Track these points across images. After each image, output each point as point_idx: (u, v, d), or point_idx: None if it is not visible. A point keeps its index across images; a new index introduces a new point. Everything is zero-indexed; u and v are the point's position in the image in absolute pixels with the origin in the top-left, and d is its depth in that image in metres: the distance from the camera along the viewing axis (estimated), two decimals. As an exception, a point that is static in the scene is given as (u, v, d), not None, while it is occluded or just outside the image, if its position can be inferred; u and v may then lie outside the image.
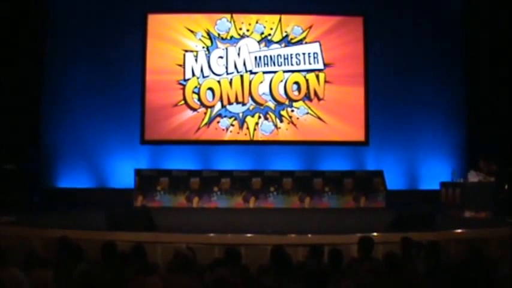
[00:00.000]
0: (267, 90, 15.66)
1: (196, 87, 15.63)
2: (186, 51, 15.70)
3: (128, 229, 9.25)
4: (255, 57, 15.69)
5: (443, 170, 14.97)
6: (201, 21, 15.79)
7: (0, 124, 13.76)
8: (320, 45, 15.82)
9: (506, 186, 12.61)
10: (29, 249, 6.13)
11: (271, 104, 15.67)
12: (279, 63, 15.68)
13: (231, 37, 15.79)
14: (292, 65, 15.70)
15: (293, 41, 15.81)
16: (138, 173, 14.67)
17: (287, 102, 15.71)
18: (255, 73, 15.66)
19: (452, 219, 11.45)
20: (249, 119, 15.62)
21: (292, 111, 15.69)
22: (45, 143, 15.20)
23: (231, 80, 15.63)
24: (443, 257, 6.61)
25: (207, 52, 15.72)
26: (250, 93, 15.63)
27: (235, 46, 15.76)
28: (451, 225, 10.32)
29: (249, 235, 9.39)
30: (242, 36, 15.80)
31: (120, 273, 5.35)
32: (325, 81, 15.76)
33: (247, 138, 15.61)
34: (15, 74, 14.19)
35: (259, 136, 15.63)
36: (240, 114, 15.63)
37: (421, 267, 6.24)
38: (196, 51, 15.71)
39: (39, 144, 15.08)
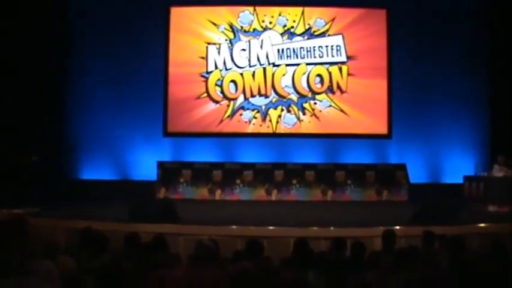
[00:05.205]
0: (290, 83, 15.63)
1: (219, 79, 15.64)
2: (209, 43, 15.71)
3: (151, 221, 9.31)
4: (278, 50, 15.66)
5: (466, 163, 14.91)
6: (224, 14, 15.78)
7: (25, 116, 13.88)
8: (343, 37, 15.75)
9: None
10: (52, 240, 6.17)
11: (294, 97, 15.63)
12: (302, 56, 15.63)
13: (254, 30, 15.76)
14: (315, 57, 15.64)
15: (316, 33, 15.75)
16: (160, 165, 14.75)
17: (310, 95, 15.66)
18: (278, 66, 15.63)
19: (476, 213, 11.38)
20: (271, 111, 15.60)
21: (315, 103, 15.64)
22: (69, 135, 15.29)
23: (254, 72, 15.62)
24: (467, 251, 6.57)
25: (229, 45, 15.71)
26: (273, 86, 15.60)
27: (257, 39, 15.73)
28: (475, 219, 10.26)
29: (271, 228, 9.42)
30: (265, 29, 15.76)
31: (142, 265, 5.38)
32: (348, 74, 15.68)
33: (269, 130, 15.60)
34: (38, 68, 14.28)
35: (282, 129, 15.60)
36: (263, 107, 15.62)
37: (444, 261, 6.21)
38: (219, 44, 15.71)
39: (62, 136, 15.19)
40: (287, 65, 15.63)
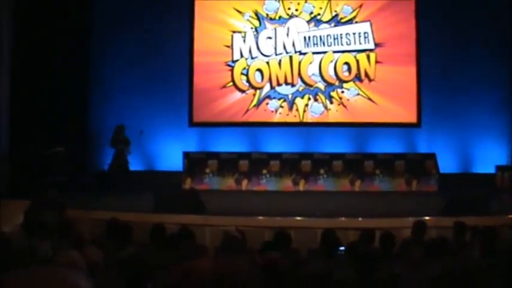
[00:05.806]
0: (317, 71, 15.45)
1: (244, 68, 15.52)
2: (234, 32, 15.58)
3: (177, 211, 9.28)
4: (304, 38, 15.48)
5: (498, 152, 14.65)
6: (249, 2, 15.64)
7: (49, 107, 13.91)
8: (370, 24, 15.51)
9: None
10: (78, 231, 6.16)
11: (321, 85, 15.45)
12: (329, 44, 15.43)
13: (280, 17, 15.59)
14: (342, 45, 15.43)
15: (343, 20, 15.52)
16: (186, 155, 14.69)
17: (337, 83, 15.46)
18: (304, 54, 15.45)
19: (508, 204, 11.19)
20: (298, 100, 15.45)
21: (343, 92, 15.44)
22: (94, 126, 15.29)
23: (280, 60, 15.46)
24: (499, 242, 6.43)
25: (255, 33, 15.56)
26: (299, 74, 15.44)
27: (283, 26, 15.56)
28: (507, 210, 10.09)
29: (298, 218, 9.35)
30: (291, 16, 15.58)
31: (168, 256, 5.33)
32: (376, 62, 15.45)
33: (296, 120, 15.45)
34: (61, 58, 14.29)
35: (309, 118, 15.44)
36: (289, 96, 15.46)
37: (475, 252, 6.10)
38: (245, 32, 15.58)
39: (87, 126, 15.20)
40: (314, 53, 15.45)
